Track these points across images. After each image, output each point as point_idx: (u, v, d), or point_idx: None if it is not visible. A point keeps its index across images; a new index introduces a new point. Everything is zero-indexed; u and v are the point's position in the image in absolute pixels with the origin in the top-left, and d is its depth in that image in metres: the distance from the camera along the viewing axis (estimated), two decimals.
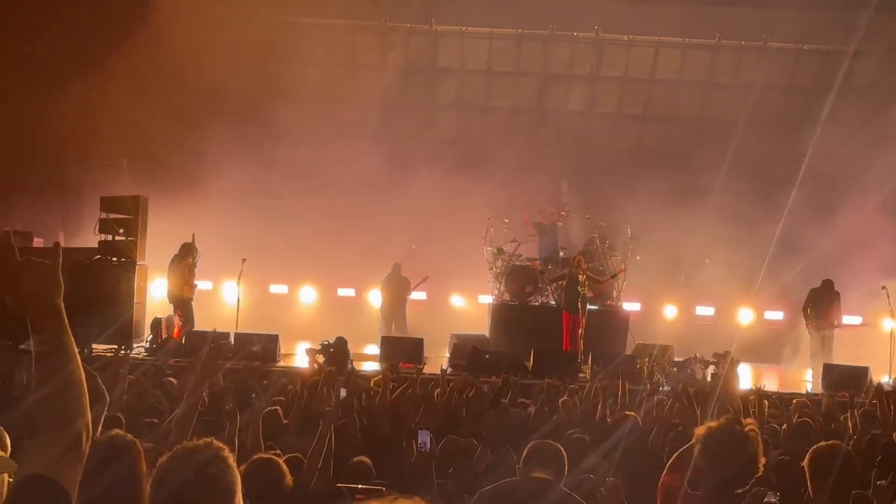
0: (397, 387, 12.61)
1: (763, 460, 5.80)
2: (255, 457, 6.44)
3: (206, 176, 24.72)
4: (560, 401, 12.22)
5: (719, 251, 24.46)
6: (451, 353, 20.33)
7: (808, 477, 6.16)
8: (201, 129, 25.57)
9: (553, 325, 21.85)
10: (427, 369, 14.88)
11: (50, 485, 2.92)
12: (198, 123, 25.71)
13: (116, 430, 5.26)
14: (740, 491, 5.71)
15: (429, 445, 9.39)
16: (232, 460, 3.58)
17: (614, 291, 23.57)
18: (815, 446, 6.33)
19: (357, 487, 7.64)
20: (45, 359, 3.01)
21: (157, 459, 3.69)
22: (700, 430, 5.84)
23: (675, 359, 20.00)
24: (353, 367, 16.73)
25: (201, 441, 3.65)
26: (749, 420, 5.93)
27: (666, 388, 13.50)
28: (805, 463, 6.22)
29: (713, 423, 5.84)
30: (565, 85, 29.11)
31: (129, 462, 4.91)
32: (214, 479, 3.48)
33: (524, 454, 6.67)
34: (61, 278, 3.13)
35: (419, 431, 9.62)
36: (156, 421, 9.83)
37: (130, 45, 24.54)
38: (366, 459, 8.29)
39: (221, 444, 3.63)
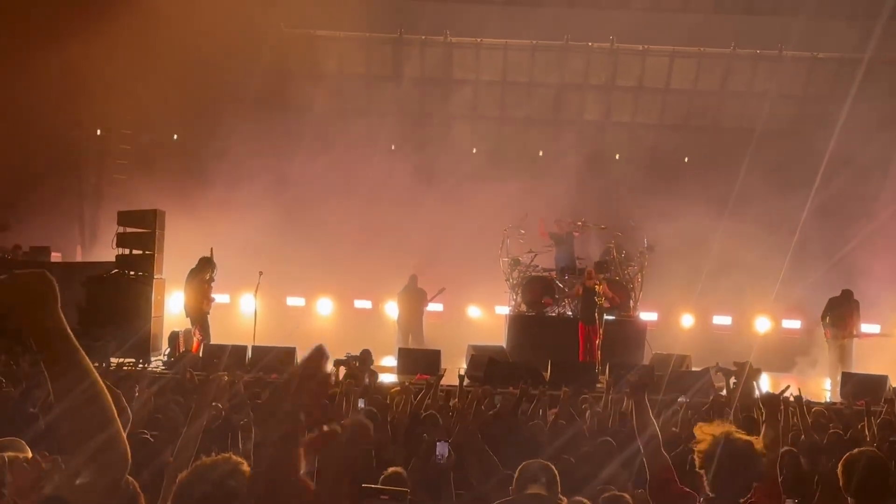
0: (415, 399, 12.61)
1: (769, 469, 5.91)
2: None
3: (224, 189, 24.80)
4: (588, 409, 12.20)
5: (736, 260, 24.43)
6: (468, 365, 20.32)
7: (841, 483, 6.19)
8: (218, 142, 25.69)
9: (570, 336, 21.84)
10: (444, 380, 14.84)
11: None
12: (214, 137, 25.84)
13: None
14: (743, 500, 5.74)
15: (446, 457, 9.37)
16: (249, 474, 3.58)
17: (631, 301, 23.54)
18: (848, 453, 6.35)
19: (381, 489, 7.60)
20: (59, 378, 2.92)
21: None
22: (700, 440, 5.88)
23: (693, 368, 19.99)
24: (370, 380, 16.71)
25: (219, 456, 3.67)
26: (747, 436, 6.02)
27: (683, 400, 13.47)
28: (839, 470, 6.25)
29: (711, 433, 5.88)
30: (580, 95, 29.13)
31: None
32: (234, 494, 3.49)
33: (516, 475, 6.71)
34: (53, 289, 3.00)
35: (437, 443, 9.60)
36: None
37: (149, 54, 24.67)
38: (401, 470, 8.27)
39: (239, 459, 3.63)
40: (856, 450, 6.49)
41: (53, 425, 2.97)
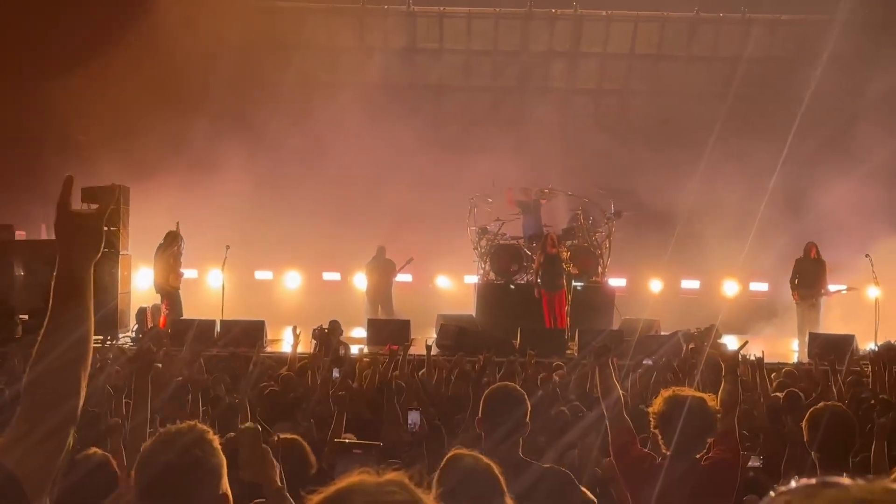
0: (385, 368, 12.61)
1: (723, 423, 6.05)
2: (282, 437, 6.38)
3: (190, 164, 24.67)
4: (540, 377, 12.25)
5: (705, 224, 24.54)
6: (438, 334, 20.33)
7: (805, 438, 6.24)
8: (182, 117, 25.50)
9: (539, 303, 21.88)
10: (413, 350, 14.86)
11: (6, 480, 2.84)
12: (178, 111, 25.64)
13: (94, 449, 5.24)
14: (699, 455, 5.87)
15: (418, 425, 9.40)
16: (217, 443, 3.55)
17: (599, 267, 23.59)
18: (812, 408, 6.41)
19: (355, 442, 7.62)
20: (56, 330, 2.98)
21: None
22: (655, 403, 6.02)
23: (662, 332, 20.08)
24: (345, 352, 16.70)
25: (184, 424, 3.62)
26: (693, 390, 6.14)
27: (648, 362, 13.53)
28: (803, 425, 6.31)
29: (665, 394, 6.03)
30: (545, 63, 29.08)
31: (105, 482, 4.92)
32: (199, 462, 3.45)
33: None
34: (98, 243, 3.17)
35: (409, 412, 9.62)
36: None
37: (112, 29, 24.45)
38: (351, 437, 8.27)
39: (205, 427, 3.59)
40: (821, 404, 6.57)
41: (30, 383, 2.93)
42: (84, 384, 2.99)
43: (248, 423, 7.75)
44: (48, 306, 3.04)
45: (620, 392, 6.50)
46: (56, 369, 2.94)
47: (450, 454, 4.26)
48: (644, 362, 13.29)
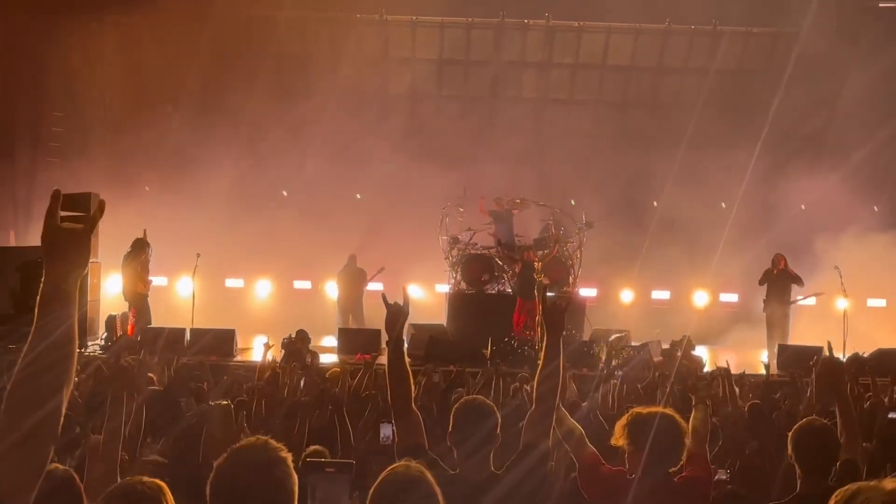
0: (353, 379, 12.59)
1: (692, 442, 6.03)
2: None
3: (160, 172, 24.61)
4: (512, 387, 12.25)
5: (674, 235, 24.64)
6: (409, 343, 20.29)
7: (790, 452, 6.22)
8: (153, 123, 25.43)
9: (510, 313, 21.90)
10: (382, 359, 14.84)
11: None
12: (149, 117, 25.58)
13: (55, 465, 5.19)
14: (673, 469, 5.89)
15: (391, 438, 9.32)
16: (290, 460, 3.50)
17: (570, 277, 23.62)
18: (796, 424, 6.40)
19: (326, 462, 7.56)
20: (40, 337, 2.96)
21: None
22: (624, 418, 6.02)
23: (632, 343, 20.13)
24: (312, 360, 16.66)
25: (257, 440, 3.56)
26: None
27: (620, 373, 13.54)
28: (789, 441, 6.28)
29: (634, 410, 6.04)
30: (518, 73, 29.12)
31: (69, 500, 4.87)
32: (280, 484, 3.44)
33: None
34: (89, 249, 3.17)
35: (381, 424, 9.56)
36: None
37: (81, 36, 24.34)
38: (322, 448, 8.23)
39: (279, 444, 3.53)
40: (804, 419, 6.57)
41: (13, 391, 2.91)
42: (67, 393, 2.98)
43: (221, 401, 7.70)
44: (29, 318, 3.04)
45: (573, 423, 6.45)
46: (39, 379, 2.93)
47: (388, 468, 4.23)
48: (615, 373, 13.29)
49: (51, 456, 2.95)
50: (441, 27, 28.04)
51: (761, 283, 22.17)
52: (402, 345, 5.84)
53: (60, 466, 5.12)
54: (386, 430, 9.39)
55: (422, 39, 28.29)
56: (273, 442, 3.53)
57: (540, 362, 5.95)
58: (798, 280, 22.01)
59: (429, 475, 4.05)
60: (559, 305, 6.04)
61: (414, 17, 27.67)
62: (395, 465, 4.15)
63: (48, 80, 26.56)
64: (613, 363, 16.13)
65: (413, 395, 5.84)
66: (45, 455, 2.93)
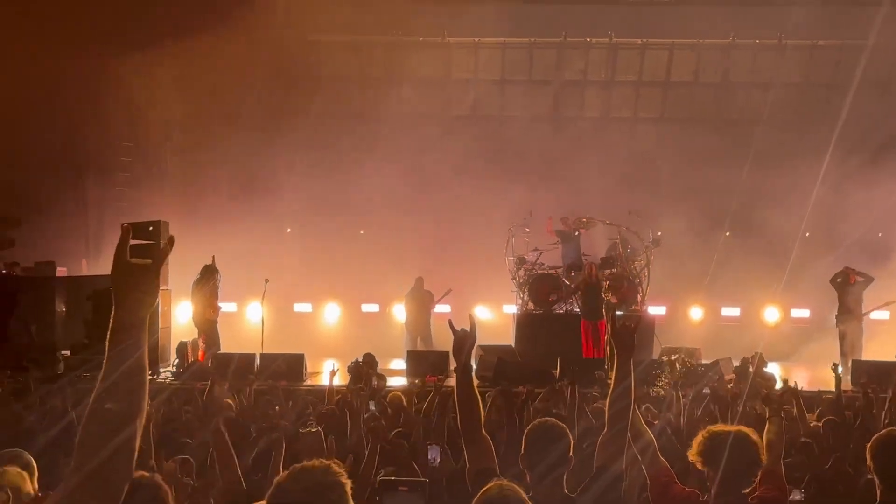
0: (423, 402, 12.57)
1: (766, 458, 5.92)
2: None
3: (227, 198, 24.82)
4: (590, 407, 12.13)
5: (744, 252, 24.40)
6: (478, 365, 20.25)
7: (869, 465, 6.10)
8: (220, 151, 25.69)
9: (579, 333, 21.79)
10: (451, 382, 14.81)
11: None
12: (216, 146, 25.84)
13: (142, 473, 5.23)
14: (747, 490, 5.78)
15: (439, 461, 9.25)
16: (349, 486, 3.52)
17: (638, 296, 23.46)
18: (875, 436, 6.28)
19: (399, 480, 7.52)
20: (112, 369, 3.02)
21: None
22: (699, 437, 5.92)
23: (703, 361, 19.92)
24: (379, 383, 16.68)
25: (320, 463, 3.58)
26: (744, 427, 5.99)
27: (691, 392, 13.39)
28: (868, 453, 6.17)
29: (707, 429, 5.94)
30: (580, 91, 29.06)
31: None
32: None
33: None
34: (158, 283, 3.19)
35: (429, 447, 9.50)
36: (189, 441, 9.82)
37: (148, 66, 24.66)
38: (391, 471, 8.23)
39: (340, 469, 3.56)
40: (884, 431, 6.45)
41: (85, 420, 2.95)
42: (140, 423, 3.03)
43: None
44: (102, 347, 3.08)
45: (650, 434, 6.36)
46: (112, 411, 2.97)
47: (482, 490, 4.22)
48: (687, 392, 13.15)
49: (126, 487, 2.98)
50: (503, 48, 28.09)
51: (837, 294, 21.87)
52: (471, 370, 5.79)
53: (152, 476, 5.13)
54: (433, 453, 9.31)
55: (484, 60, 28.35)
56: (336, 467, 3.54)
57: (611, 383, 5.91)
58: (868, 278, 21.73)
59: (522, 494, 4.06)
60: (629, 326, 5.99)
61: (476, 39, 27.74)
62: (488, 486, 4.15)
63: (113, 111, 26.94)
64: (681, 380, 15.95)
65: (482, 419, 5.80)
66: (121, 485, 2.96)
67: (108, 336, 3.06)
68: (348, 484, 3.51)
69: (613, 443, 5.77)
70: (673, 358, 19.11)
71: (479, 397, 5.77)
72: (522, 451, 5.80)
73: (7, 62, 23.16)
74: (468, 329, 5.79)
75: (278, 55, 27.04)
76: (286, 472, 3.56)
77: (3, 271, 23.37)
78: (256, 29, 25.47)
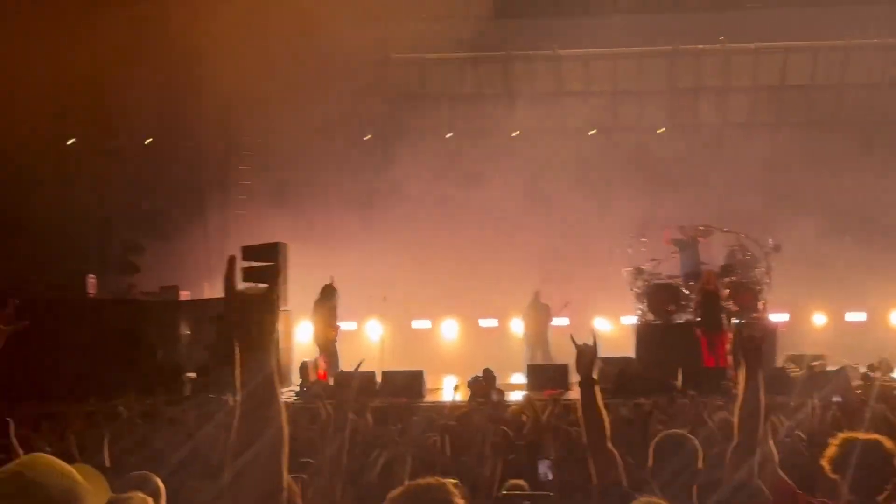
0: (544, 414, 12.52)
1: None
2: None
3: (343, 217, 25.10)
4: (717, 417, 11.97)
5: (869, 255, 23.88)
6: (598, 377, 20.10)
7: None
8: (334, 171, 26.00)
9: (699, 342, 21.54)
10: (571, 394, 14.78)
11: None
12: (331, 166, 26.14)
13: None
14: (881, 497, 5.65)
15: (550, 476, 9.17)
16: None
17: (759, 303, 23.11)
18: None
19: (523, 494, 7.48)
20: (253, 409, 3.10)
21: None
22: (831, 445, 5.80)
23: (828, 368, 19.54)
24: (499, 398, 16.71)
25: (437, 481, 3.62)
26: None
27: (818, 398, 13.13)
28: None
29: (837, 437, 5.81)
30: (694, 99, 28.77)
31: None
32: None
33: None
34: (275, 313, 3.25)
35: (539, 461, 9.43)
36: (311, 461, 9.91)
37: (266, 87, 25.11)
38: (521, 482, 8.18)
39: (455, 490, 3.58)
40: None
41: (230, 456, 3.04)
42: (284, 457, 3.12)
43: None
44: (226, 369, 3.15)
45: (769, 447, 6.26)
46: (255, 450, 3.05)
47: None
48: (812, 400, 12.90)
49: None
50: (614, 59, 27.95)
51: None
52: (594, 384, 5.76)
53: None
54: (543, 467, 9.23)
55: (596, 72, 28.25)
56: (451, 486, 3.56)
57: (739, 399, 5.82)
58: None
59: None
60: (756, 339, 5.88)
61: (586, 51, 27.66)
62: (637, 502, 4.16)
63: (235, 136, 27.57)
64: (807, 386, 15.66)
65: (608, 432, 5.76)
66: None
67: (237, 374, 3.12)
68: (461, 502, 3.52)
69: (746, 459, 5.69)
70: (797, 365, 18.79)
71: (604, 410, 5.74)
72: (650, 464, 5.76)
73: (134, 94, 23.87)
74: (590, 343, 5.77)
75: (396, 74, 27.38)
76: (400, 488, 3.59)
77: (130, 297, 23.93)
78: (374, 49, 25.80)
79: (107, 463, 7.45)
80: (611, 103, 28.76)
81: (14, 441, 3.83)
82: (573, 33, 26.91)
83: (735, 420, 5.83)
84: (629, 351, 22.73)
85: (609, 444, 5.71)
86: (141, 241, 25.21)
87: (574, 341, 5.73)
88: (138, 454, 9.76)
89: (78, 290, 22.61)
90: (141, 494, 4.90)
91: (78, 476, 3.01)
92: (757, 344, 5.86)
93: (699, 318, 21.98)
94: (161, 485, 5.66)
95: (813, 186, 25.50)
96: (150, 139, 25.41)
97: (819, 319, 25.39)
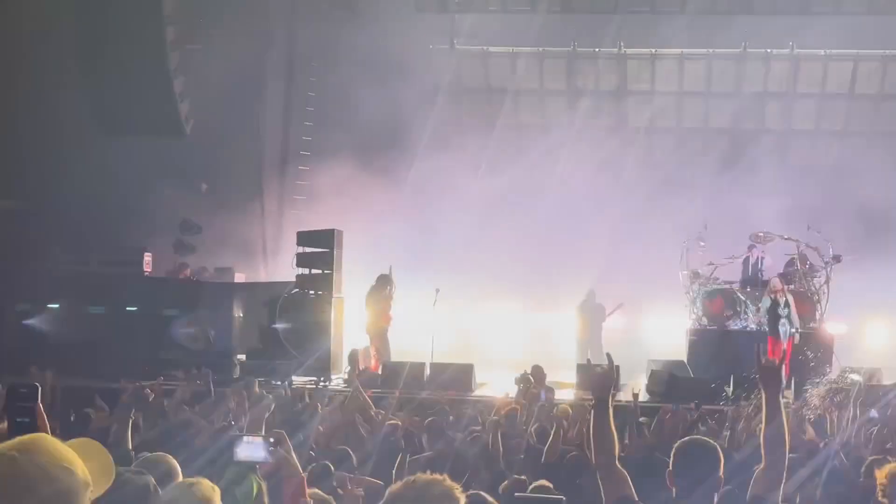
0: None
1: None
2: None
3: (400, 208, 25.09)
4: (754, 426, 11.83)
5: None
6: (648, 380, 20.02)
7: None
8: (393, 161, 26.00)
9: (752, 350, 21.22)
10: (623, 396, 14.67)
11: None
12: (390, 156, 26.15)
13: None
14: None
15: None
16: (462, 501, 3.53)
17: (817, 313, 22.81)
18: None
19: (535, 497, 7.46)
20: None
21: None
22: (884, 471, 5.68)
23: (884, 382, 19.23)
24: (548, 396, 16.57)
25: (436, 477, 3.59)
26: None
27: (874, 415, 12.93)
28: None
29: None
30: (760, 104, 28.47)
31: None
32: None
33: None
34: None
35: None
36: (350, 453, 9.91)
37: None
38: (547, 483, 8.12)
39: (454, 484, 3.56)
40: None
41: None
42: None
43: None
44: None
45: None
46: None
47: None
48: (870, 415, 12.70)
49: None
50: (680, 59, 27.73)
51: None
52: (609, 407, 5.76)
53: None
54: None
55: (661, 72, 28.03)
56: (450, 481, 3.55)
57: (762, 421, 5.78)
58: None
59: None
60: (773, 366, 5.91)
61: (653, 50, 27.47)
62: None
63: (293, 122, 27.71)
64: (837, 399, 15.38)
65: (616, 451, 5.74)
66: None
67: None
68: (462, 499, 3.51)
69: (770, 476, 5.59)
70: (848, 378, 18.48)
71: (614, 431, 5.76)
72: (670, 468, 5.69)
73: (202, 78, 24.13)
74: (605, 367, 5.85)
75: (460, 67, 27.38)
76: (401, 482, 3.59)
77: (185, 277, 24.08)
78: (436, 40, 25.82)
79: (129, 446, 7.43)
80: (675, 103, 28.54)
81: (40, 407, 3.76)
82: (640, 32, 26.79)
83: (761, 443, 5.76)
84: (681, 355, 22.54)
85: (616, 463, 5.72)
86: (198, 222, 25.33)
87: (590, 364, 5.87)
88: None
89: (135, 267, 22.78)
90: (208, 482, 4.87)
91: (79, 468, 2.85)
92: (775, 371, 5.87)
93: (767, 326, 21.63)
94: (176, 465, 5.63)
95: (876, 195, 25.14)
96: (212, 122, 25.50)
97: (879, 332, 25.03)
